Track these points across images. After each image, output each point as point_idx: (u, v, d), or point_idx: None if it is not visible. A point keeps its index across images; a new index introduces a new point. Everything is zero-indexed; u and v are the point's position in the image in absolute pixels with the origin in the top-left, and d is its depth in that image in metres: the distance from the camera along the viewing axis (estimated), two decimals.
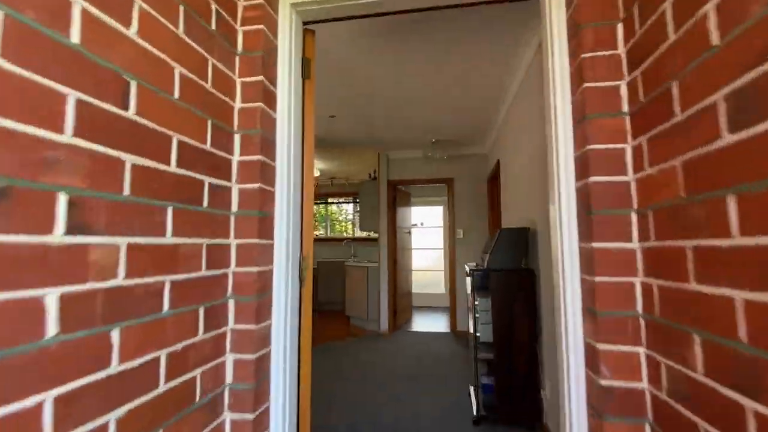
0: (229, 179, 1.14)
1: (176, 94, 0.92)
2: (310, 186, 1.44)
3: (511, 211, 3.49)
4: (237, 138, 1.17)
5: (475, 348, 2.54)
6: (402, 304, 5.59)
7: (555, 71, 1.15)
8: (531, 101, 2.63)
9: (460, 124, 4.30)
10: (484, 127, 4.41)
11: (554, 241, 1.15)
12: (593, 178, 0.99)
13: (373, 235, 6.73)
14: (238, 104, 1.18)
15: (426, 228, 7.66)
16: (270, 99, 1.23)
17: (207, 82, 1.04)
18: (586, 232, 1.01)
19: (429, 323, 5.69)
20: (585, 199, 1.02)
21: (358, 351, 4.19)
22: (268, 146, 1.21)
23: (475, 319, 2.53)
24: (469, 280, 2.72)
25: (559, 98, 1.14)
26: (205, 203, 1.02)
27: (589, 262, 1.00)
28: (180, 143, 0.93)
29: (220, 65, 1.10)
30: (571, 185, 1.09)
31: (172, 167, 0.90)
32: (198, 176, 0.99)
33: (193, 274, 0.97)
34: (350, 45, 2.55)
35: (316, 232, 8.11)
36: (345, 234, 7.82)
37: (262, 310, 1.15)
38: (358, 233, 7.23)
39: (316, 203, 8.02)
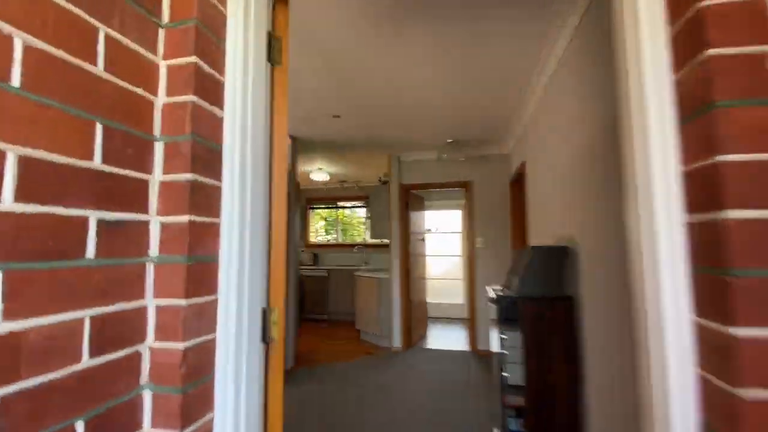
0: (144, 210, 0.77)
1: (16, 81, 0.55)
2: (282, 210, 1.06)
3: (540, 220, 3.03)
4: (158, 148, 0.80)
5: (501, 392, 2.11)
6: (416, 315, 5.17)
7: (640, 35, 0.74)
8: (567, 94, 2.18)
9: (479, 122, 3.86)
10: (507, 124, 3.96)
11: (642, 311, 0.72)
12: (733, 213, 0.56)
13: (386, 241, 6.34)
14: (161, 98, 0.81)
15: (442, 233, 7.21)
16: (211, 91, 0.85)
17: (96, 64, 0.67)
18: (715, 304, 0.59)
19: (446, 338, 5.27)
20: (710, 247, 0.60)
21: (367, 373, 3.80)
22: (208, 159, 0.83)
23: (501, 357, 2.10)
24: (494, 308, 2.30)
25: (649, 78, 0.72)
26: (91, 252, 0.65)
27: (722, 358, 0.58)
28: (25, 162, 0.56)
29: (123, 39, 0.73)
30: (675, 222, 0.67)
31: (5, 203, 0.53)
32: (73, 212, 0.63)
33: (63, 372, 0.60)
34: (353, 32, 2.16)
35: (327, 238, 7.76)
36: (359, 239, 7.44)
37: (194, 404, 0.78)
38: (372, 239, 6.84)
39: (326, 207, 7.68)
